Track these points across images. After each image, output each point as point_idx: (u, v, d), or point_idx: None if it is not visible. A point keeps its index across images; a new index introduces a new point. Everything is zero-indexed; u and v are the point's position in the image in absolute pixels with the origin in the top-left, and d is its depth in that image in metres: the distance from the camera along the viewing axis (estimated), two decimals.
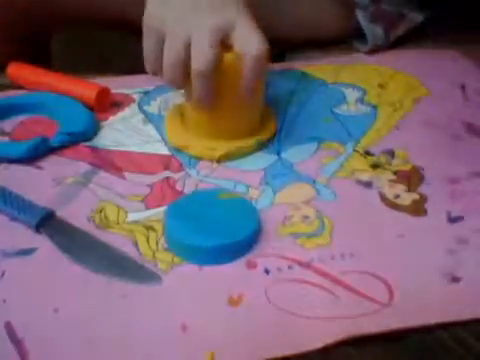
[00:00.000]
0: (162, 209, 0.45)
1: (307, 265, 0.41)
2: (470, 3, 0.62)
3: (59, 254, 0.42)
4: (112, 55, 0.75)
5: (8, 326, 0.37)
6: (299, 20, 0.66)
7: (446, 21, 0.65)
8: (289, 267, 0.41)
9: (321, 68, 0.64)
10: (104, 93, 0.58)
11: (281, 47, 0.67)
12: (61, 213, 0.45)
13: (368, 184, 0.48)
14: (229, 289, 0.39)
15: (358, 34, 0.67)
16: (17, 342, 0.36)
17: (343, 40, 0.68)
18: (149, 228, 0.44)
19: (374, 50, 0.66)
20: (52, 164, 0.51)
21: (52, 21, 0.67)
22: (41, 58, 0.68)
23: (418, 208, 0.46)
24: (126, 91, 0.60)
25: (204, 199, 0.45)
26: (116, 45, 0.74)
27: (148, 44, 0.49)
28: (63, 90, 0.58)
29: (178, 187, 0.48)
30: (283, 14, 0.66)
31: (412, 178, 0.49)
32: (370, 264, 0.41)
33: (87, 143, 0.53)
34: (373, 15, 0.65)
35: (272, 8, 0.65)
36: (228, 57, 0.47)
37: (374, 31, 0.65)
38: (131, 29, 0.67)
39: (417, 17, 0.67)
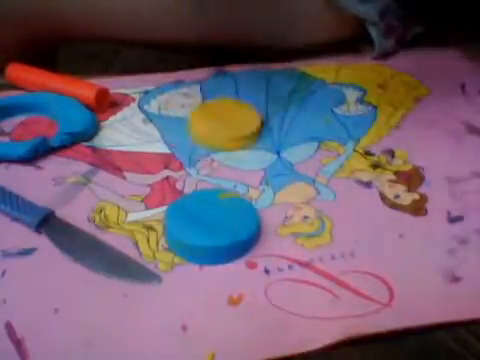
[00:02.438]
0: (162, 209, 0.45)
1: (307, 265, 0.41)
2: (470, 4, 0.62)
3: (59, 254, 0.42)
4: (112, 55, 0.75)
5: (8, 326, 0.37)
6: (298, 26, 0.66)
7: (446, 21, 0.65)
8: (289, 267, 0.41)
9: (321, 68, 0.64)
10: (103, 93, 0.58)
11: (282, 53, 0.66)
12: (61, 213, 0.45)
13: (368, 184, 0.48)
14: (229, 289, 0.39)
15: (360, 37, 0.66)
16: (17, 342, 0.36)
17: (345, 43, 0.68)
18: (149, 228, 0.44)
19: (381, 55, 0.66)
20: (52, 164, 0.51)
21: (60, 41, 0.67)
22: (46, 61, 0.68)
23: (418, 208, 0.46)
24: (126, 91, 0.60)
25: (204, 199, 0.45)
26: (116, 45, 0.74)
27: None
28: (62, 91, 0.58)
29: (178, 186, 0.48)
30: (281, 20, 0.65)
31: (412, 178, 0.49)
32: (370, 264, 0.41)
33: (87, 143, 0.53)
34: (385, 31, 0.65)
35: (269, 15, 0.64)
36: None
37: (385, 43, 0.65)
38: (141, 45, 0.67)
39: (419, 28, 0.67)
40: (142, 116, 0.57)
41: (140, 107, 0.58)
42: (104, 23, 0.63)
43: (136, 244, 0.43)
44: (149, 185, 0.48)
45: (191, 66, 0.64)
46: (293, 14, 0.65)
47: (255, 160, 0.51)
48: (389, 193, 0.47)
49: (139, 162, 0.51)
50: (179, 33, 0.63)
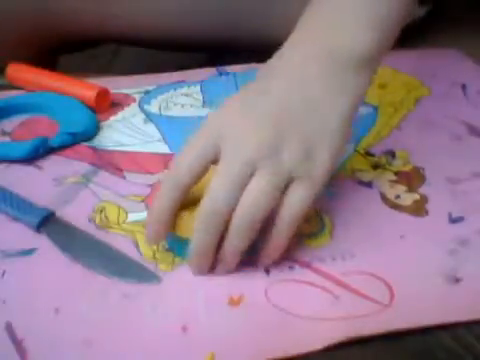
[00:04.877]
0: None
1: (307, 265, 0.41)
2: (470, 3, 0.62)
3: (59, 254, 0.42)
4: (112, 55, 0.75)
5: (8, 326, 0.37)
6: (290, 20, 0.66)
7: (446, 21, 0.65)
8: (290, 267, 0.41)
9: None
10: (104, 94, 0.58)
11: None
12: (61, 213, 0.45)
13: (369, 184, 0.48)
14: (229, 289, 0.39)
15: None
16: (17, 342, 0.36)
17: None
18: None
19: None
20: (52, 164, 0.51)
21: (60, 40, 0.67)
22: (46, 61, 0.68)
23: (419, 208, 0.46)
24: (126, 91, 0.60)
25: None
26: (116, 45, 0.74)
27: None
28: (62, 91, 0.58)
29: None
30: (273, 16, 0.65)
31: (413, 178, 0.49)
32: (371, 264, 0.41)
33: (87, 143, 0.53)
34: None
35: (261, 11, 0.64)
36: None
37: None
38: (144, 45, 0.67)
39: (419, 11, 0.66)
40: (142, 116, 0.57)
41: (140, 107, 0.58)
42: (104, 23, 0.63)
43: (136, 244, 0.43)
44: (149, 185, 0.48)
45: (191, 66, 0.64)
46: (282, 13, 0.65)
47: None
48: (390, 193, 0.47)
49: (139, 162, 0.51)
50: (179, 31, 0.63)
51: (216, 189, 0.37)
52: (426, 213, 0.45)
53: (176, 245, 0.42)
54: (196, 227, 0.38)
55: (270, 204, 0.37)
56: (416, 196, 0.47)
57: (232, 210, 0.37)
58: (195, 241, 0.38)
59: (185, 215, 0.40)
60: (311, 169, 0.38)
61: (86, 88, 0.58)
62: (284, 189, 0.38)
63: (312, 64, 0.40)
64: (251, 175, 0.37)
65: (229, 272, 0.40)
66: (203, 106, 0.58)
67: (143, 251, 0.42)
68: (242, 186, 0.37)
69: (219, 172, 0.38)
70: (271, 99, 0.40)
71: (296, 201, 0.38)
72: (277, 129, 0.38)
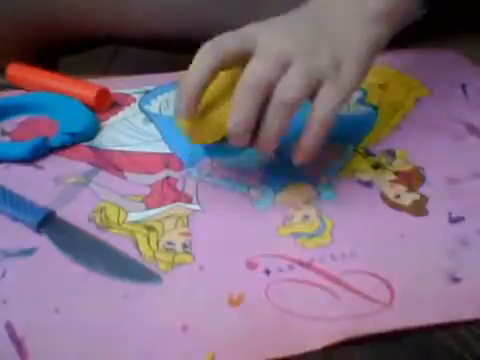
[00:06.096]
0: (162, 209, 0.45)
1: (308, 265, 0.41)
2: (470, 3, 0.62)
3: (59, 254, 0.42)
4: (112, 55, 0.75)
5: (8, 326, 0.37)
6: None
7: (446, 21, 0.65)
8: (289, 267, 0.41)
9: None
10: (104, 93, 0.58)
11: None
12: (61, 213, 0.45)
13: (369, 184, 0.48)
14: (229, 289, 0.39)
15: None
16: (17, 342, 0.36)
17: None
18: (149, 228, 0.44)
19: None
20: (52, 164, 0.51)
21: (60, 40, 0.67)
22: (46, 61, 0.67)
23: (419, 208, 0.46)
24: (126, 91, 0.60)
25: None
26: (116, 45, 0.74)
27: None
28: (63, 91, 0.58)
29: (178, 187, 0.48)
30: (271, 17, 0.64)
31: (413, 178, 0.49)
32: (371, 264, 0.41)
33: (88, 143, 0.53)
34: None
35: (260, 12, 0.64)
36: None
37: None
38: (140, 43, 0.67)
39: (419, 12, 0.66)
40: (143, 116, 0.57)
41: (141, 107, 0.58)
42: (104, 23, 0.63)
43: (136, 244, 0.43)
44: (149, 185, 0.48)
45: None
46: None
47: (255, 160, 0.51)
48: (390, 193, 0.47)
49: (139, 162, 0.51)
50: (178, 31, 0.63)
51: (255, 65, 0.40)
52: (426, 213, 0.45)
53: (211, 151, 0.44)
54: (236, 102, 0.40)
55: (305, 92, 0.40)
56: (416, 196, 0.47)
57: (270, 86, 0.40)
58: (235, 116, 0.40)
59: (212, 120, 0.42)
60: (340, 76, 0.42)
61: (86, 88, 0.58)
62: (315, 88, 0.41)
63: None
64: (286, 65, 0.40)
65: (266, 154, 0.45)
66: None
67: (143, 251, 0.42)
68: (278, 67, 0.40)
69: (257, 55, 0.40)
70: (304, 17, 0.44)
71: (327, 102, 0.41)
72: (312, 37, 0.42)
